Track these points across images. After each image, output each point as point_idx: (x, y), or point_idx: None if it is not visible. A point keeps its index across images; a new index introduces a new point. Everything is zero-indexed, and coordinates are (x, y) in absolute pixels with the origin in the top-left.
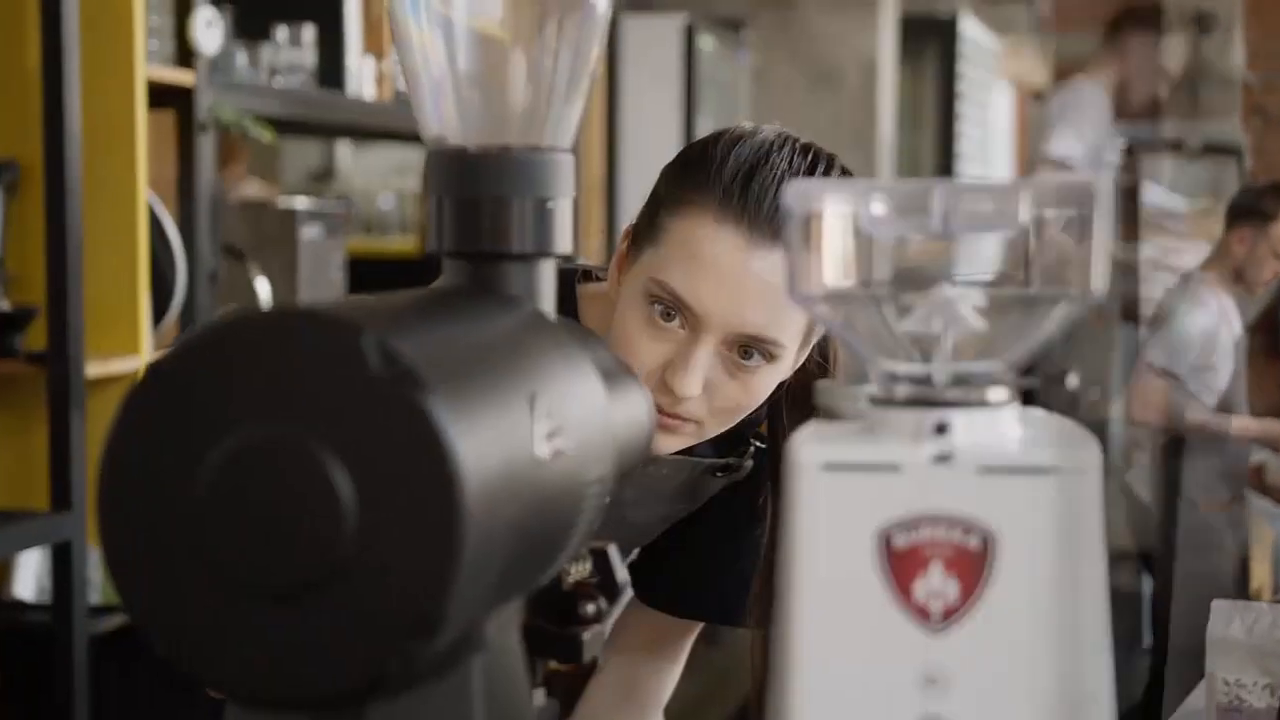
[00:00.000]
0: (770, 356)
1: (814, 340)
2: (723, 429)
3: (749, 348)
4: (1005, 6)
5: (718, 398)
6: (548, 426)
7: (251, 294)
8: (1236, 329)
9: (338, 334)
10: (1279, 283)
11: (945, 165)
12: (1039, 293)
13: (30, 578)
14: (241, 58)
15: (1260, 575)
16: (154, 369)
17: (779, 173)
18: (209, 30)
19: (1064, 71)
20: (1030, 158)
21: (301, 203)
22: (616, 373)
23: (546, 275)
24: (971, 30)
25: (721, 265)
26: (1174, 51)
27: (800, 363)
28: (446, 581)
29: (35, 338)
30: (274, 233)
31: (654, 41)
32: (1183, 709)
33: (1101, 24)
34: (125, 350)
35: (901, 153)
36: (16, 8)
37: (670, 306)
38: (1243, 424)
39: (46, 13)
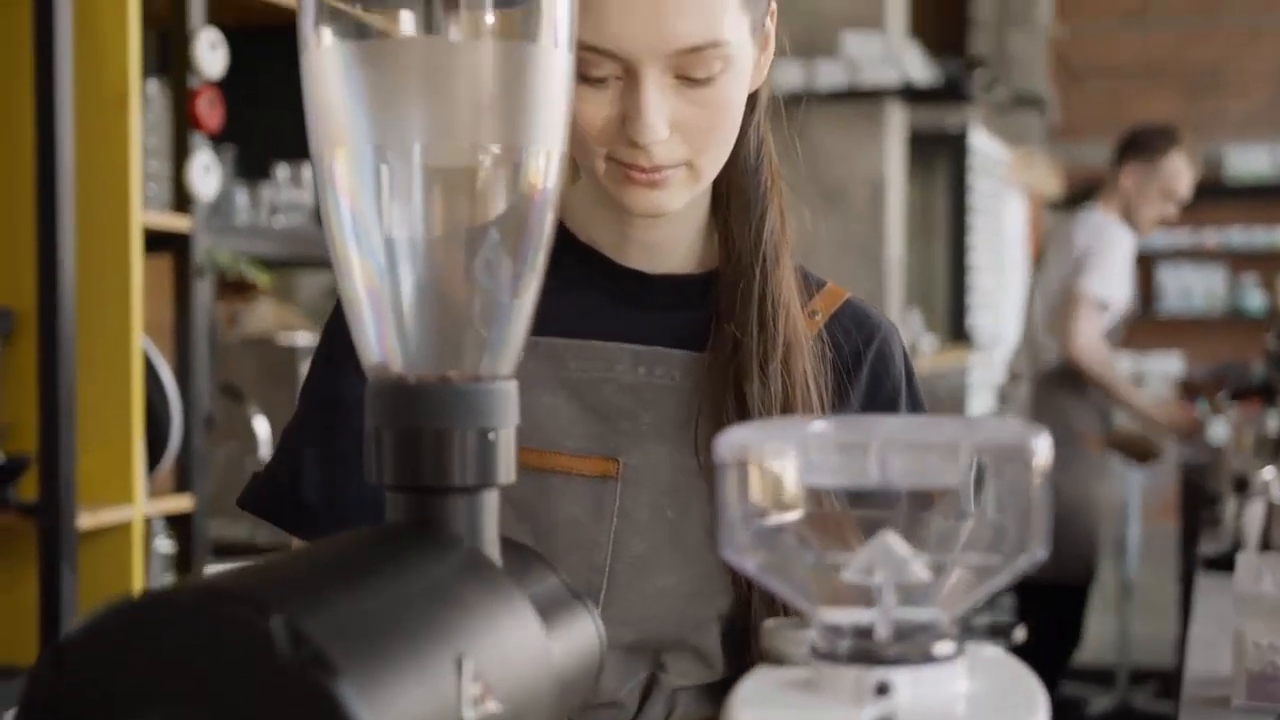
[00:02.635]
0: (723, 61)
1: (770, 23)
2: (719, 162)
3: (694, 63)
4: (1016, 117)
5: (690, 129)
6: (476, 689)
7: (250, 435)
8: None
9: (245, 615)
10: None
11: (957, 277)
12: (982, 561)
13: None
14: (242, 197)
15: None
16: (59, 648)
17: None
18: (206, 175)
19: (1075, 180)
20: (1059, 287)
21: (303, 338)
22: (561, 602)
23: (489, 507)
24: (981, 142)
25: None
26: (1184, 170)
27: (766, 56)
28: None
29: (27, 487)
30: (276, 369)
31: None
32: (1204, 674)
33: (1111, 134)
34: (119, 500)
35: (912, 267)
36: (13, 153)
37: (593, 62)
38: (1146, 403)
39: (42, 159)
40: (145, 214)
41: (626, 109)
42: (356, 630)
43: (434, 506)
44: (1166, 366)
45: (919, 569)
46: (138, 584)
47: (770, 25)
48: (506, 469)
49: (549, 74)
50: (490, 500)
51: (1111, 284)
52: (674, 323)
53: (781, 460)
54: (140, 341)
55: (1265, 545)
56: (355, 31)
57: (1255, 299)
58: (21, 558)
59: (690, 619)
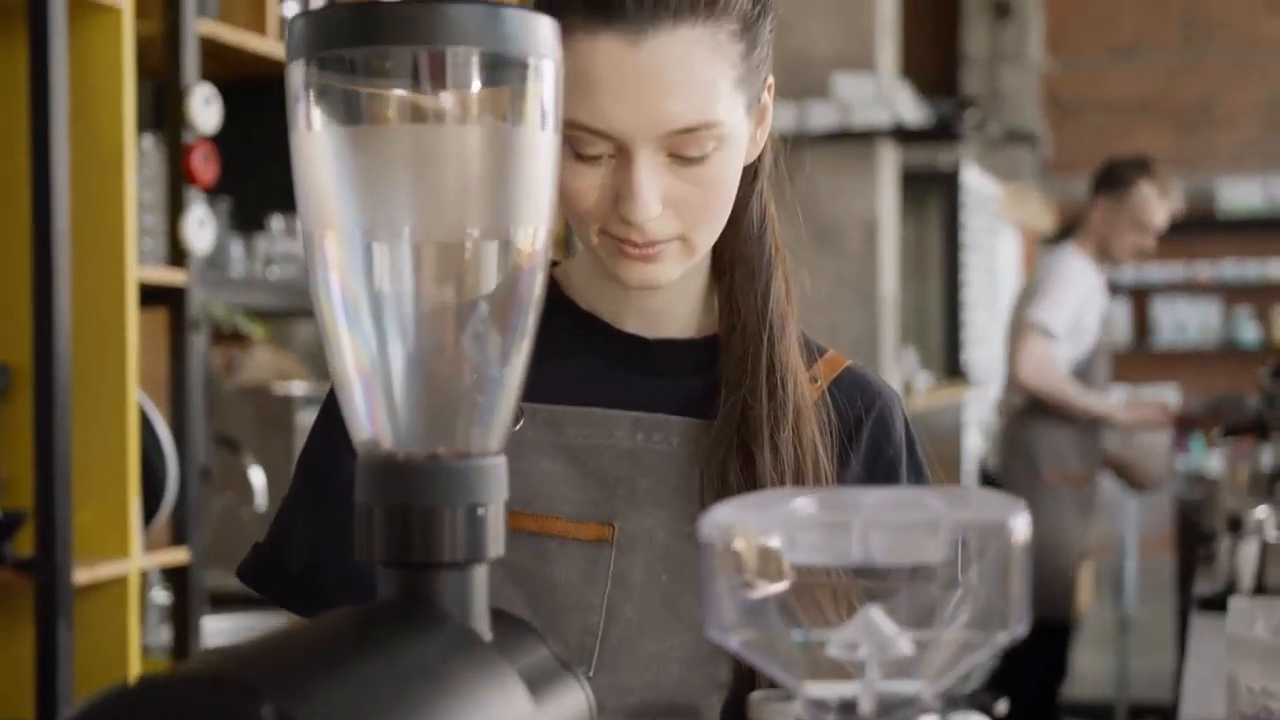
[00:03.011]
0: (717, 140)
1: (766, 96)
2: (713, 235)
3: (687, 143)
4: (1008, 153)
5: (683, 205)
6: None
7: (246, 486)
8: (1103, 303)
9: (238, 704)
10: None
11: (951, 314)
12: (966, 637)
13: None
14: (237, 249)
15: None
16: None
17: None
18: (201, 229)
19: (1068, 214)
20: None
21: (300, 387)
22: (551, 673)
23: (479, 581)
24: (974, 179)
25: (610, 74)
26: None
27: (764, 129)
28: None
29: (24, 542)
30: (273, 418)
31: None
32: (1199, 716)
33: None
34: (115, 554)
35: (906, 305)
36: (9, 209)
37: (586, 140)
38: (1111, 406)
39: (38, 215)
40: (140, 269)
41: (619, 186)
42: (348, 712)
43: (424, 582)
44: (1162, 399)
45: (903, 644)
46: (134, 638)
47: (767, 98)
48: (496, 543)
49: (536, 155)
50: (480, 575)
51: (1059, 313)
52: (674, 388)
53: (766, 539)
54: (136, 396)
55: (1260, 585)
56: (344, 116)
57: (1250, 331)
58: (18, 613)
59: (689, 686)
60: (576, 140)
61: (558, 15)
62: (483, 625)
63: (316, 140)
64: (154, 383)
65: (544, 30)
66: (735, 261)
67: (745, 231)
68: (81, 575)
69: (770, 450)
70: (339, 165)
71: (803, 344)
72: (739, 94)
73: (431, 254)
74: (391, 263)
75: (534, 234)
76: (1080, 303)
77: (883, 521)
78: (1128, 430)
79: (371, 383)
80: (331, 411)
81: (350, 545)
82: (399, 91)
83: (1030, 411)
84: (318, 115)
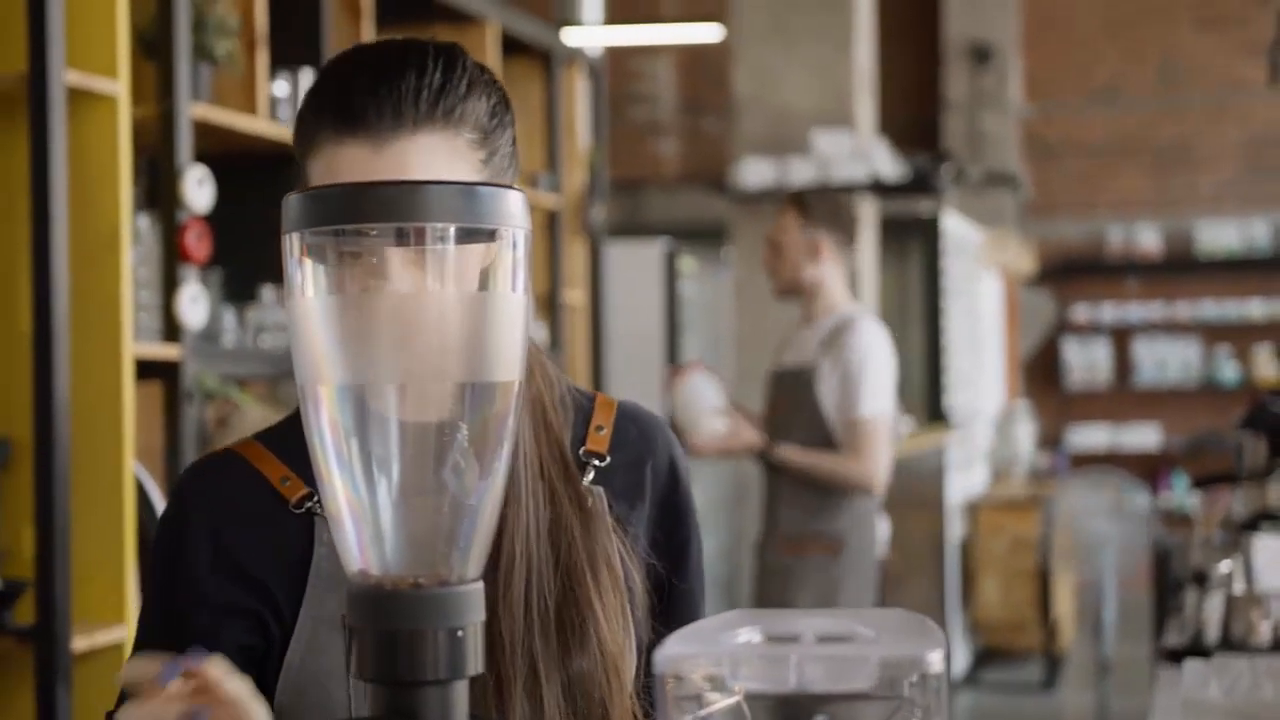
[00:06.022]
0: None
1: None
2: None
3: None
4: (989, 196)
5: None
6: None
7: None
8: None
9: None
10: None
11: (933, 358)
12: None
13: None
14: (230, 320)
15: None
16: None
17: (375, 65)
18: (194, 305)
19: (1049, 256)
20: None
21: None
22: None
23: (460, 696)
24: (953, 225)
25: (353, 177)
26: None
27: None
28: None
29: (24, 611)
30: None
31: (636, 264)
32: None
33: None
34: (112, 620)
35: None
36: (10, 287)
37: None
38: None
39: (38, 293)
40: (136, 344)
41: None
42: None
43: (408, 700)
44: (1144, 438)
45: None
46: None
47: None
48: (475, 661)
49: (508, 314)
50: (460, 690)
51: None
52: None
53: (713, 670)
54: (132, 467)
55: (1225, 638)
56: (335, 285)
57: (1229, 370)
58: (19, 681)
59: None
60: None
61: (310, 126)
62: None
63: (310, 305)
64: (149, 452)
65: (513, 204)
66: None
67: None
68: (80, 643)
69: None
70: (330, 326)
71: (574, 403)
72: None
73: (414, 402)
74: (377, 411)
75: (507, 381)
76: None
77: (819, 654)
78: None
79: (360, 519)
80: (171, 560)
81: None
82: (384, 262)
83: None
84: (311, 283)
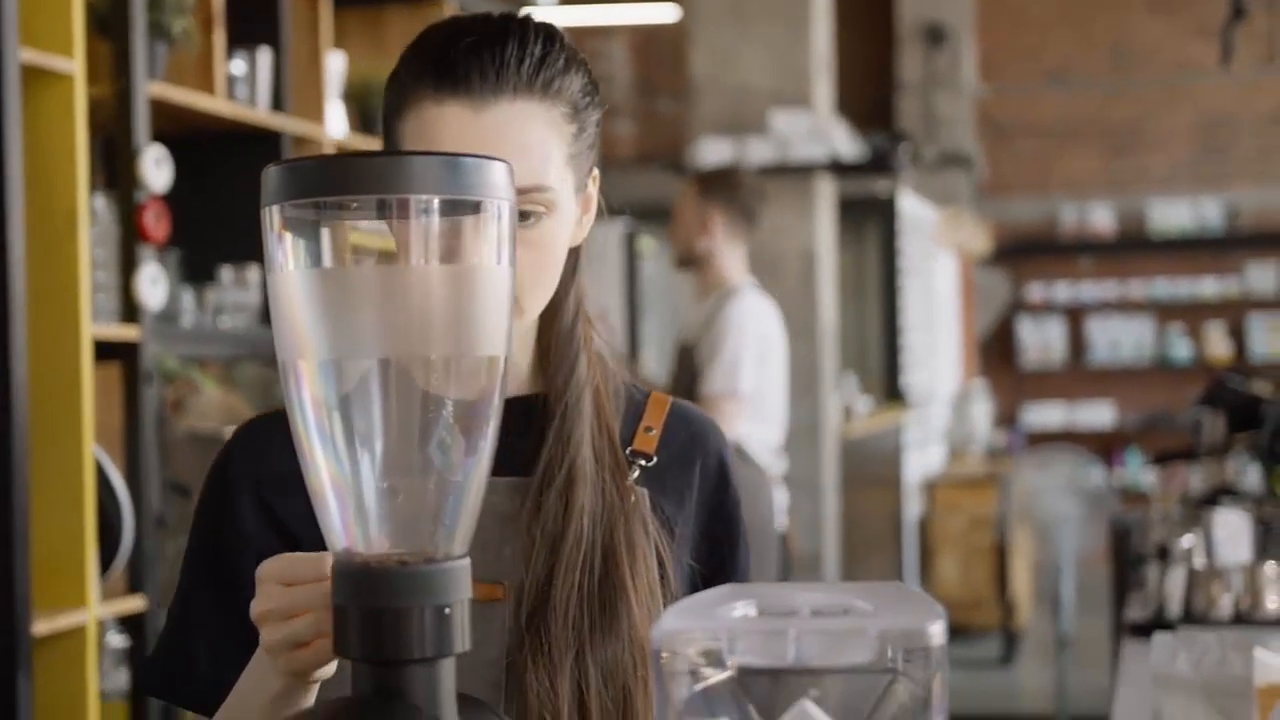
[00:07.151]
0: (547, 206)
1: (592, 186)
2: (542, 301)
3: (521, 203)
4: (945, 176)
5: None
6: None
7: None
8: None
9: None
10: None
11: (890, 338)
12: None
13: None
14: (189, 300)
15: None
16: None
17: (479, 32)
18: (153, 286)
19: (1003, 236)
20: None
21: None
22: None
23: (447, 674)
24: (910, 205)
25: (454, 137)
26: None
27: (588, 218)
28: None
29: None
30: None
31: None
32: None
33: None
34: (73, 604)
35: (845, 331)
36: None
37: None
38: None
39: None
40: (95, 325)
41: None
42: None
43: (396, 678)
44: (1098, 416)
45: None
46: (92, 686)
47: (593, 189)
48: (462, 638)
49: (492, 286)
50: (447, 668)
51: None
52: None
53: (709, 644)
54: (91, 449)
55: (1187, 612)
56: (315, 257)
57: (1182, 349)
58: None
59: None
60: None
61: (407, 87)
62: (450, 715)
63: (290, 280)
64: (108, 433)
65: (498, 175)
66: (549, 347)
67: (560, 322)
68: (40, 626)
69: (535, 506)
70: (311, 300)
71: (626, 398)
72: (569, 171)
73: (397, 377)
74: (359, 386)
75: (492, 354)
76: None
77: (817, 627)
78: None
79: (344, 497)
80: (213, 513)
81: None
82: (366, 235)
83: None
84: (291, 257)
